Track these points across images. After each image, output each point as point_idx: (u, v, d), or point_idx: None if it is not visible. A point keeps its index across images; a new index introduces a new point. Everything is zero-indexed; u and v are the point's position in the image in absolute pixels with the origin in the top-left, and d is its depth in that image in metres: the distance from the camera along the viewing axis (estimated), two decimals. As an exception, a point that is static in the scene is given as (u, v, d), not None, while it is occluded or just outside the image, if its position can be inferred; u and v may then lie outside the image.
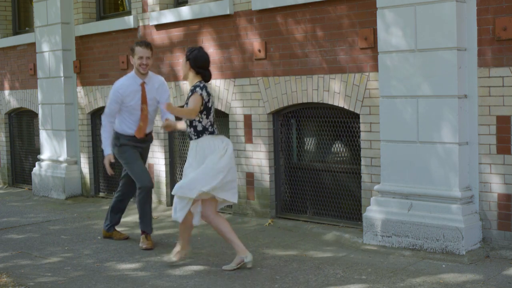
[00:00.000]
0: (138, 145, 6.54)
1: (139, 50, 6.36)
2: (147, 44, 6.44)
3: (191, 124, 5.55)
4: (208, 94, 5.50)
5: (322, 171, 6.96)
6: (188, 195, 5.40)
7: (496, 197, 5.56)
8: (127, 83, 6.44)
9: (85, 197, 9.63)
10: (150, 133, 6.69)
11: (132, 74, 6.49)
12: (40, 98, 10.05)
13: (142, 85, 6.43)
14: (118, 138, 6.50)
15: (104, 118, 6.52)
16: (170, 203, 8.45)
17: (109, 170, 6.47)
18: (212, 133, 5.54)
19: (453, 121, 5.54)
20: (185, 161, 8.33)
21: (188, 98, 5.50)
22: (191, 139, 5.57)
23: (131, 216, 7.95)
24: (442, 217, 5.57)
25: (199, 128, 5.51)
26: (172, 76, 8.16)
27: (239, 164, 7.47)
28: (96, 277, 5.47)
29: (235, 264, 5.48)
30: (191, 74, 5.57)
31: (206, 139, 5.51)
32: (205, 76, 5.59)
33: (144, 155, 6.71)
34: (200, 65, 5.55)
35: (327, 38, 6.60)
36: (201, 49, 5.63)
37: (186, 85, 8.03)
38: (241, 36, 7.38)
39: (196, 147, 5.53)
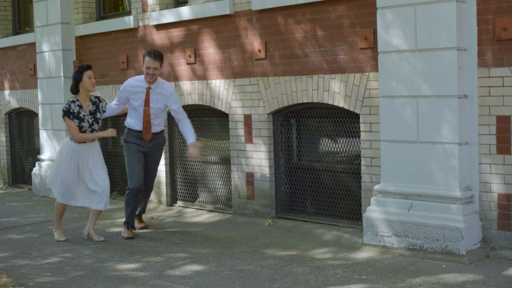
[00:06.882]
0: (143, 144, 6.77)
1: (147, 60, 6.61)
2: (156, 56, 6.61)
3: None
4: None
5: (322, 171, 6.96)
6: None
7: (496, 197, 5.56)
8: (136, 84, 6.74)
9: (85, 197, 9.62)
10: (158, 133, 6.87)
11: (143, 76, 6.74)
12: (40, 98, 10.05)
13: (148, 89, 6.67)
14: (127, 134, 6.83)
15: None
16: (170, 203, 8.45)
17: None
18: None
19: (453, 121, 5.54)
20: (185, 161, 8.39)
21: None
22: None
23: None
24: (442, 217, 5.57)
25: None
26: (172, 76, 8.16)
27: (239, 164, 7.47)
28: (96, 277, 5.47)
29: None
30: None
31: None
32: None
33: (151, 155, 6.90)
34: None
35: (327, 38, 6.60)
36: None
37: (186, 85, 8.03)
38: (241, 36, 7.38)
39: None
